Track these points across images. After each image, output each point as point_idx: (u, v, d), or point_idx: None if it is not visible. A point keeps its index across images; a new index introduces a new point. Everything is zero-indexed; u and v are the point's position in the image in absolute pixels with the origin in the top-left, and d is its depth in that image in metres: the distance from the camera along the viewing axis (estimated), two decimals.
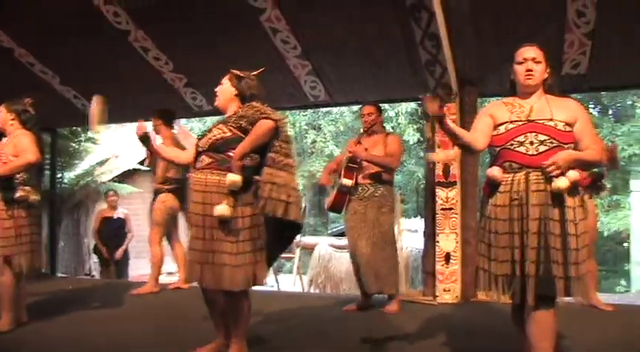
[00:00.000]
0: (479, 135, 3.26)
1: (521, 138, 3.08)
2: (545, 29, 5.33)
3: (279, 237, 3.63)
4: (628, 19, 5.14)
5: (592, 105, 18.36)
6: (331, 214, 19.37)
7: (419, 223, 9.69)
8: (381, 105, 5.64)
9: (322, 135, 16.86)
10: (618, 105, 18.43)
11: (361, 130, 5.61)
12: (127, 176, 13.63)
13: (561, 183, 2.93)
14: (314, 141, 17.04)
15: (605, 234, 15.26)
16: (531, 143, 3.05)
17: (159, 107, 6.40)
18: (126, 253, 9.36)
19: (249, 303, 3.59)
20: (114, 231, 9.22)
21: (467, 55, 5.69)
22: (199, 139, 3.64)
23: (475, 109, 5.76)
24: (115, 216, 9.31)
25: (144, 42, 6.48)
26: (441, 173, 5.77)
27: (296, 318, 5.13)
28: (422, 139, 15.01)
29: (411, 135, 15.67)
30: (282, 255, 13.04)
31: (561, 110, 3.10)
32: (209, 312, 3.71)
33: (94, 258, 10.63)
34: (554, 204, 2.98)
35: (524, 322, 3.07)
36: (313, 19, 5.79)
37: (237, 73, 3.71)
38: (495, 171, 3.13)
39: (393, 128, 15.39)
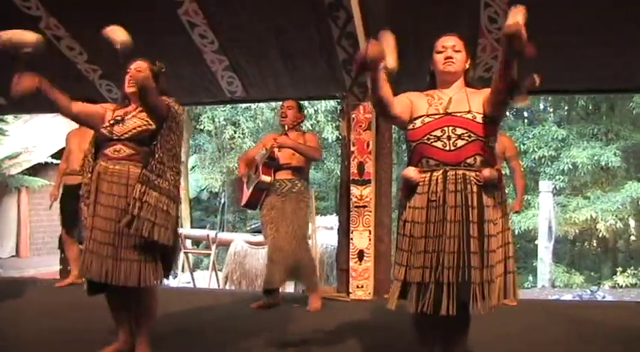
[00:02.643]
0: (397, 102, 2.99)
1: (438, 133, 2.90)
2: (461, 32, 5.46)
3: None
4: (537, 28, 5.30)
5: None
6: (250, 211, 19.33)
7: (335, 220, 9.75)
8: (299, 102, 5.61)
9: (241, 131, 16.74)
10: (532, 108, 19.10)
11: (282, 127, 5.42)
12: (38, 169, 13.19)
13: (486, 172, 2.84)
14: (232, 137, 16.91)
15: (517, 232, 15.83)
16: (449, 137, 2.87)
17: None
18: None
19: (157, 300, 3.53)
20: None
21: None
22: (110, 125, 3.41)
23: None
24: None
25: (56, 30, 6.24)
26: (355, 171, 5.83)
27: (207, 314, 5.10)
28: (340, 137, 15.14)
29: (330, 133, 15.75)
30: (200, 251, 13.02)
31: (477, 100, 2.95)
32: (112, 311, 3.55)
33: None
34: (473, 204, 2.82)
35: (434, 328, 2.98)
36: (231, 13, 5.75)
37: (161, 68, 3.54)
38: (411, 172, 2.93)
39: (312, 126, 15.46)
